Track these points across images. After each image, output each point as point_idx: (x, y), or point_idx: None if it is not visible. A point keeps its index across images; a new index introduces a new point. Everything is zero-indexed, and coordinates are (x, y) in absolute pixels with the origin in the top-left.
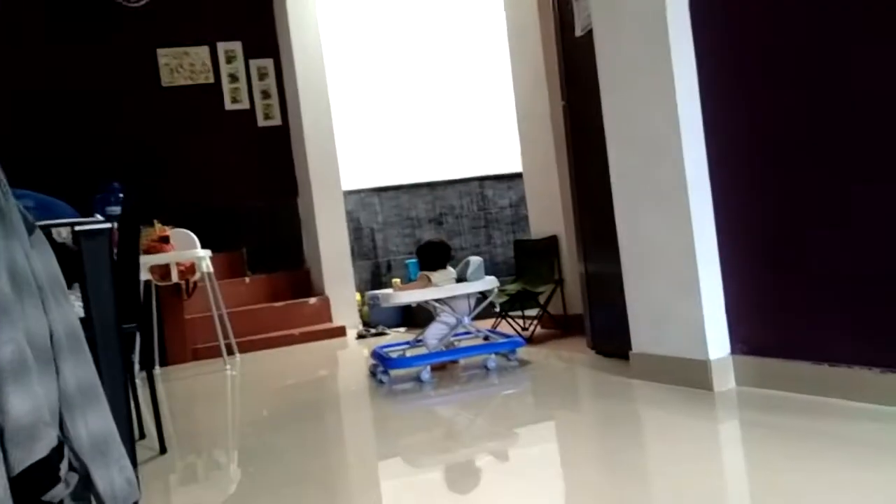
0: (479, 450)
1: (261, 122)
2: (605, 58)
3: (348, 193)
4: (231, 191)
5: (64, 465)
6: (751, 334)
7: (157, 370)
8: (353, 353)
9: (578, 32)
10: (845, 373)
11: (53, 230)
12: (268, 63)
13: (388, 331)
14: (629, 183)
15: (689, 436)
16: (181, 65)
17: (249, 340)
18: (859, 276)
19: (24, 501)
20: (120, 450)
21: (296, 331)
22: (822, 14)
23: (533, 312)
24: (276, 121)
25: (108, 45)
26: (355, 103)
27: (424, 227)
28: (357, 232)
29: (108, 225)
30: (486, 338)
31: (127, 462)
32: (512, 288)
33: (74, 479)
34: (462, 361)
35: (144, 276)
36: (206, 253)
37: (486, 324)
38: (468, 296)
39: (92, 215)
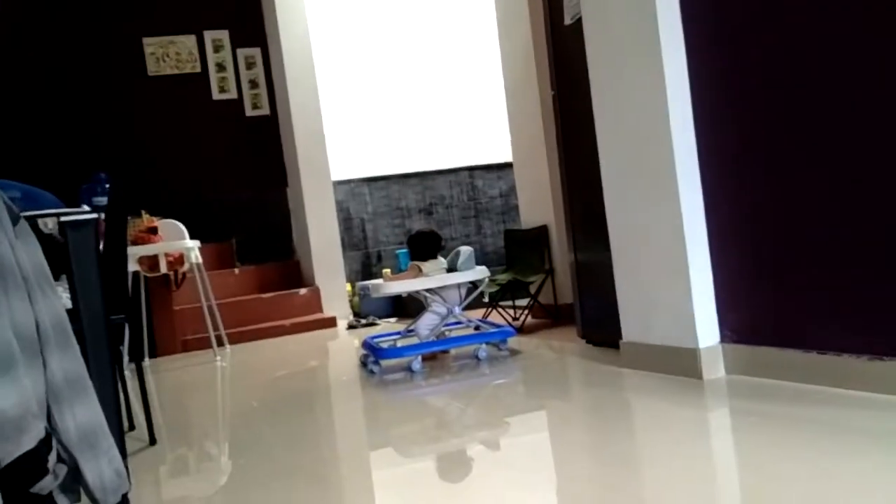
0: (470, 439)
1: (249, 112)
2: (594, 46)
3: (338, 183)
4: (219, 181)
5: (52, 457)
6: (740, 323)
7: (147, 362)
8: (344, 344)
9: (567, 21)
10: (834, 361)
11: (39, 221)
12: (255, 52)
13: (378, 321)
14: (619, 171)
15: (678, 424)
16: (167, 54)
17: (239, 332)
18: (848, 264)
19: (12, 493)
20: (109, 441)
21: (286, 322)
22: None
23: (523, 302)
24: (265, 110)
25: (94, 33)
26: (344, 93)
27: (414, 217)
28: (347, 222)
29: (94, 215)
30: (476, 328)
31: (116, 453)
32: (502, 278)
33: (63, 470)
34: (453, 351)
35: (132, 267)
36: (195, 244)
37: (477, 314)
38: (459, 286)
39: (78, 206)
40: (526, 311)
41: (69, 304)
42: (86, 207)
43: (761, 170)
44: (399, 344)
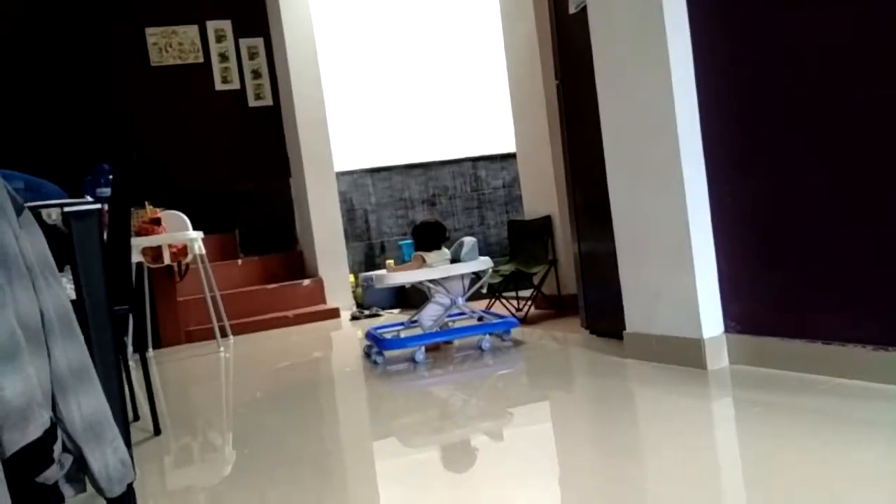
0: (474, 430)
1: (252, 103)
2: (599, 35)
3: (341, 174)
4: (223, 172)
5: (57, 447)
6: (744, 313)
7: (151, 352)
8: (347, 335)
9: (572, 10)
10: (838, 350)
11: (43, 212)
12: (258, 42)
13: (382, 312)
14: (623, 161)
15: (682, 414)
16: (170, 44)
17: (242, 322)
18: (852, 254)
19: (18, 483)
20: (113, 431)
21: (289, 313)
22: None
23: (527, 293)
24: (268, 101)
25: (96, 23)
26: (347, 83)
27: (418, 208)
28: (350, 213)
29: (97, 206)
30: (480, 318)
31: (121, 443)
32: (506, 268)
33: (69, 460)
34: (456, 342)
35: (136, 258)
36: (198, 235)
37: (481, 304)
38: (462, 276)
39: (82, 197)
40: (529, 302)
41: (73, 295)
42: (89, 198)
43: (766, 160)
44: (402, 335)
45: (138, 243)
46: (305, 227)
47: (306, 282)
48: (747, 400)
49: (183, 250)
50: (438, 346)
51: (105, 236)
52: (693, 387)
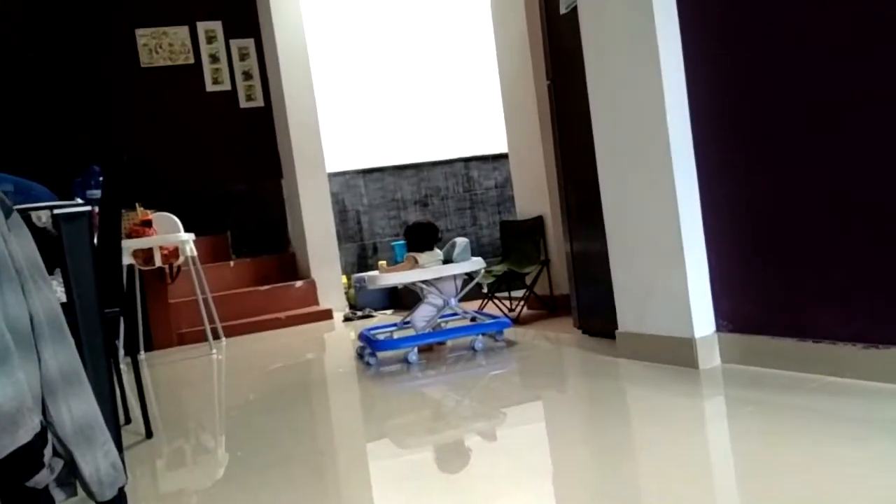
0: (467, 430)
1: (243, 104)
2: (589, 35)
3: (333, 175)
4: (214, 173)
5: (48, 451)
6: (736, 312)
7: (142, 355)
8: (340, 336)
9: (563, 10)
10: (829, 349)
11: (33, 214)
12: (249, 43)
13: (374, 313)
14: (615, 161)
15: (674, 413)
16: (160, 45)
17: (235, 324)
18: (843, 253)
19: (8, 487)
20: (105, 434)
21: (282, 314)
22: None
23: (519, 293)
24: (259, 102)
25: (86, 24)
26: (339, 84)
27: (410, 208)
28: (342, 214)
29: (87, 208)
30: (473, 319)
31: (112, 447)
32: (498, 269)
33: (59, 464)
34: (449, 343)
35: (127, 260)
36: (190, 236)
37: (473, 305)
38: (455, 277)
39: (72, 199)
40: (522, 302)
41: (63, 298)
42: (80, 201)
43: (757, 159)
44: (395, 336)
45: (129, 245)
46: (297, 228)
47: (299, 283)
48: (739, 398)
49: (174, 252)
50: (431, 347)
51: (95, 238)
52: (685, 386)
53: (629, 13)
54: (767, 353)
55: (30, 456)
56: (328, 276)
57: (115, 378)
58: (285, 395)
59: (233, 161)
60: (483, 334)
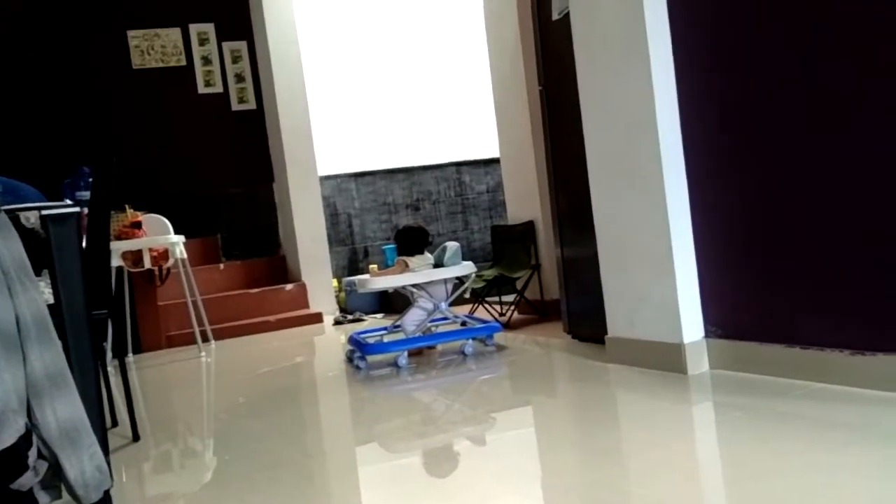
0: (456, 435)
1: (235, 107)
2: (581, 41)
3: (325, 179)
4: (205, 176)
5: (32, 453)
6: (724, 318)
7: (131, 357)
8: (330, 340)
9: (555, 16)
10: (817, 355)
11: (21, 215)
12: (241, 46)
13: (365, 317)
14: (605, 166)
15: (663, 418)
16: (152, 46)
17: (225, 327)
18: (831, 260)
19: None
20: (90, 437)
21: (272, 317)
22: None
23: (510, 298)
24: (251, 105)
25: (77, 25)
26: (331, 87)
27: (401, 212)
28: (334, 218)
29: (76, 209)
30: (463, 323)
31: (97, 449)
32: (489, 273)
33: (44, 467)
34: (439, 347)
35: (116, 262)
36: (180, 239)
37: (464, 309)
38: (445, 281)
39: (61, 200)
40: (512, 307)
41: (51, 299)
42: (68, 202)
43: (747, 166)
44: (385, 339)
45: (118, 247)
46: (288, 231)
47: (289, 286)
48: (727, 404)
49: (164, 254)
50: (421, 351)
51: (84, 240)
52: (674, 391)
53: (620, 21)
54: (756, 359)
55: (14, 458)
56: (319, 280)
57: (101, 380)
58: (274, 399)
59: (224, 163)
60: (473, 338)
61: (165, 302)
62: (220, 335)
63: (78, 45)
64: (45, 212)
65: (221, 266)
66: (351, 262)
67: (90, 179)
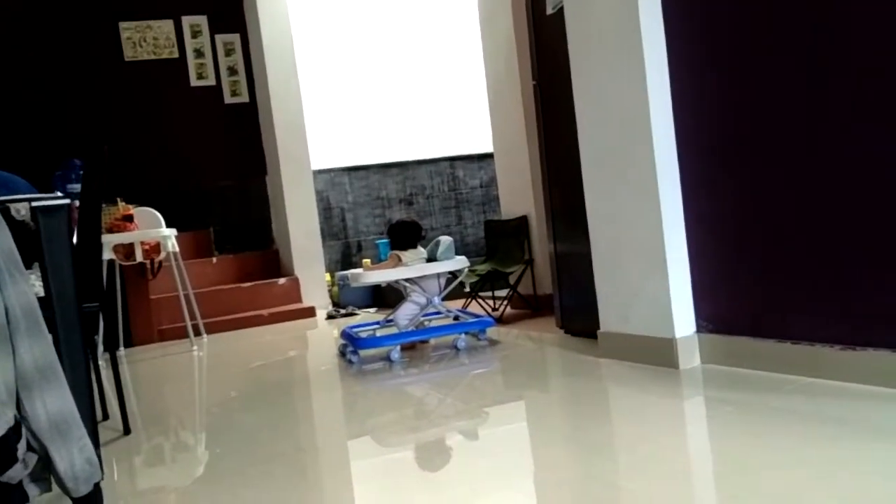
0: (449, 429)
1: (228, 100)
2: (575, 36)
3: (318, 173)
4: (198, 169)
5: (21, 445)
6: (716, 313)
7: (122, 351)
8: (323, 334)
9: (549, 10)
10: (807, 350)
11: (11, 207)
12: (234, 38)
13: (358, 311)
14: (599, 162)
15: (655, 413)
16: (144, 38)
17: (217, 321)
18: (821, 256)
19: None
20: (80, 430)
21: (264, 311)
22: None
23: (503, 292)
24: (244, 98)
25: (68, 17)
26: (325, 81)
27: (395, 207)
28: (327, 212)
29: (66, 201)
30: (456, 318)
31: (87, 442)
32: (482, 268)
33: (33, 459)
34: (432, 341)
35: (108, 255)
36: (172, 232)
37: (457, 304)
38: (438, 276)
39: (53, 192)
40: (505, 302)
41: (42, 292)
42: (59, 194)
43: (739, 162)
44: (378, 334)
45: (110, 240)
46: (281, 225)
47: (282, 280)
48: (718, 399)
49: (156, 248)
50: (414, 346)
51: (75, 233)
52: (665, 386)
53: (614, 16)
54: (747, 353)
55: (3, 450)
56: (312, 274)
57: (93, 373)
58: (267, 393)
59: (217, 157)
60: (466, 333)
61: (157, 295)
62: (213, 329)
63: (69, 36)
64: (35, 204)
65: (214, 260)
66: (344, 256)
67: (81, 172)
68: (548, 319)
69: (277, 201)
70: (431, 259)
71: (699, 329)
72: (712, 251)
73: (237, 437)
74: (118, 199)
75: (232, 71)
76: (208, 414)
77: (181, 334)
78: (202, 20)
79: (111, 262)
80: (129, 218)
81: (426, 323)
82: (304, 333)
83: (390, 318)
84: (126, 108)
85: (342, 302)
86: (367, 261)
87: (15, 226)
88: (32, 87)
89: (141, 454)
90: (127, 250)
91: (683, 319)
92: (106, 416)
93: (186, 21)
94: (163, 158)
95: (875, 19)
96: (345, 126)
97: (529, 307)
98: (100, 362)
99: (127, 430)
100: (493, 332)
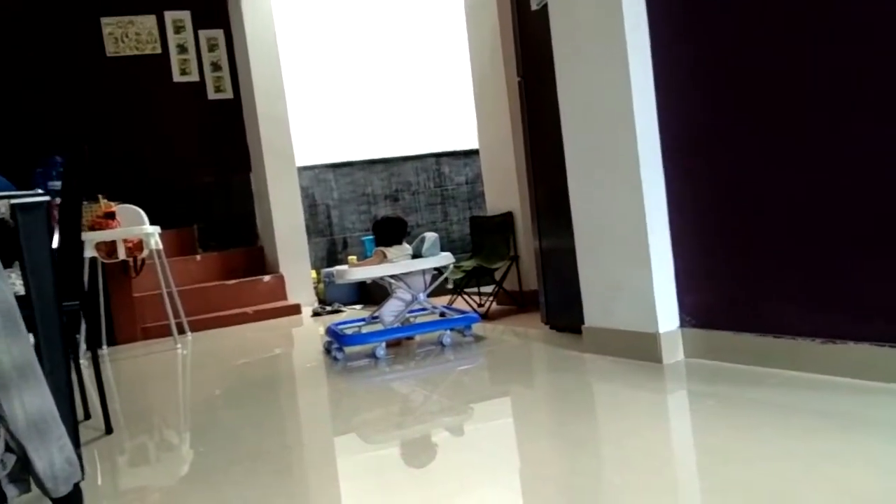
0: (435, 425)
1: (211, 96)
2: (559, 32)
3: (303, 169)
4: (181, 166)
5: (0, 446)
6: (699, 307)
7: (105, 349)
8: (309, 331)
9: (534, 6)
10: (789, 344)
11: None
12: (218, 34)
13: (343, 308)
14: (583, 158)
15: (639, 407)
16: (126, 34)
17: (201, 319)
18: (803, 250)
19: None
20: (59, 429)
21: (249, 309)
22: None
23: (489, 289)
24: (228, 94)
25: (49, 12)
26: (309, 77)
27: (380, 203)
28: (312, 208)
29: (45, 198)
30: (441, 314)
31: (67, 442)
32: (468, 264)
33: (11, 460)
34: (417, 337)
35: (90, 253)
36: (155, 229)
37: (443, 300)
38: (424, 272)
39: (33, 190)
40: (491, 298)
41: (22, 291)
42: (39, 191)
43: (722, 158)
44: (363, 330)
45: (92, 238)
46: (266, 222)
47: (267, 278)
48: (701, 393)
49: (138, 245)
50: (399, 342)
51: (56, 230)
52: (649, 380)
53: (598, 9)
54: (729, 348)
55: None
56: (297, 271)
57: (74, 373)
58: (252, 391)
59: (200, 153)
60: (451, 329)
61: (141, 293)
62: (197, 327)
63: (50, 32)
64: (14, 201)
65: (198, 257)
66: (330, 253)
67: (62, 169)
68: (533, 315)
69: (262, 198)
70: (417, 255)
71: (682, 324)
72: (695, 246)
73: (221, 435)
74: (100, 197)
75: (216, 67)
76: (192, 412)
77: (165, 332)
78: (185, 15)
79: (93, 259)
80: (112, 215)
81: (411, 319)
82: (290, 331)
83: (376, 314)
84: (108, 104)
85: (328, 299)
86: (352, 258)
87: None
88: (12, 83)
89: (123, 453)
90: (109, 248)
91: (667, 314)
92: (88, 416)
93: (169, 16)
94: (146, 155)
95: (852, 7)
96: (330, 122)
97: (515, 303)
98: (82, 361)
99: (109, 430)
100: (478, 328)
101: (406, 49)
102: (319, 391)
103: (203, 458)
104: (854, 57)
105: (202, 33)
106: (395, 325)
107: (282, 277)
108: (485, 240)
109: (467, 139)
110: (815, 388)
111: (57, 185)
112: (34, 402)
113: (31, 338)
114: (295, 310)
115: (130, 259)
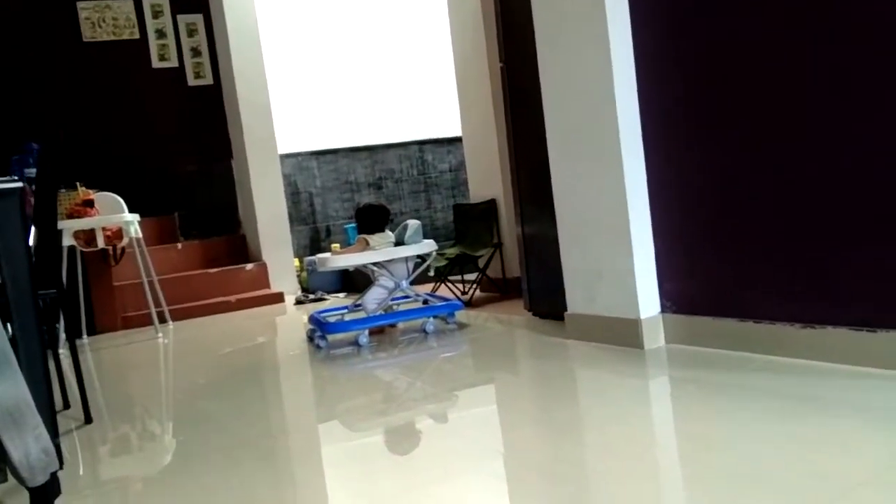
0: (418, 412)
1: (191, 82)
2: (541, 17)
3: (285, 157)
4: (161, 152)
5: None
6: (679, 293)
7: (85, 339)
8: (292, 319)
9: None
10: (769, 329)
11: None
12: (197, 19)
13: (327, 296)
14: (565, 144)
15: (620, 393)
16: (103, 19)
17: (183, 308)
18: (781, 236)
19: None
20: (35, 419)
21: (232, 297)
22: None
23: (473, 276)
24: (208, 80)
25: None
26: (291, 63)
27: (364, 191)
28: (295, 196)
29: (18, 184)
30: (424, 301)
31: (43, 431)
32: (451, 252)
33: None
34: (401, 325)
35: (68, 241)
36: (135, 217)
37: (426, 287)
38: (406, 259)
39: (10, 177)
40: (474, 285)
41: None
42: (15, 178)
43: (703, 144)
44: (346, 318)
45: (70, 226)
46: (248, 210)
47: (249, 266)
48: (682, 378)
49: (118, 233)
50: (383, 330)
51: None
52: (631, 366)
53: None
54: (710, 333)
55: None
56: (280, 259)
57: (52, 362)
58: (235, 379)
59: (181, 140)
60: (435, 317)
61: (121, 282)
62: (179, 316)
63: (25, 16)
64: None
65: (179, 245)
66: (313, 241)
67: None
68: (516, 302)
69: (244, 186)
70: (399, 243)
71: (664, 309)
72: (676, 233)
73: (203, 424)
74: (78, 184)
75: (195, 52)
76: (174, 401)
77: (146, 322)
78: (164, 0)
79: (72, 248)
80: (90, 203)
81: (395, 307)
82: (273, 319)
83: (359, 302)
84: (86, 90)
85: (311, 287)
86: (335, 245)
87: None
88: None
89: (105, 443)
90: (88, 236)
91: (648, 300)
92: (67, 405)
93: (147, 1)
94: (124, 142)
95: None
96: (312, 109)
97: (498, 290)
98: (61, 351)
99: (88, 419)
100: (461, 315)
101: (389, 36)
102: (303, 379)
103: (185, 447)
104: (846, 35)
105: (181, 18)
106: (379, 313)
107: (264, 266)
108: (468, 227)
109: (451, 126)
110: (794, 372)
111: (33, 172)
112: (8, 390)
113: (8, 327)
114: (278, 298)
115: (110, 248)
